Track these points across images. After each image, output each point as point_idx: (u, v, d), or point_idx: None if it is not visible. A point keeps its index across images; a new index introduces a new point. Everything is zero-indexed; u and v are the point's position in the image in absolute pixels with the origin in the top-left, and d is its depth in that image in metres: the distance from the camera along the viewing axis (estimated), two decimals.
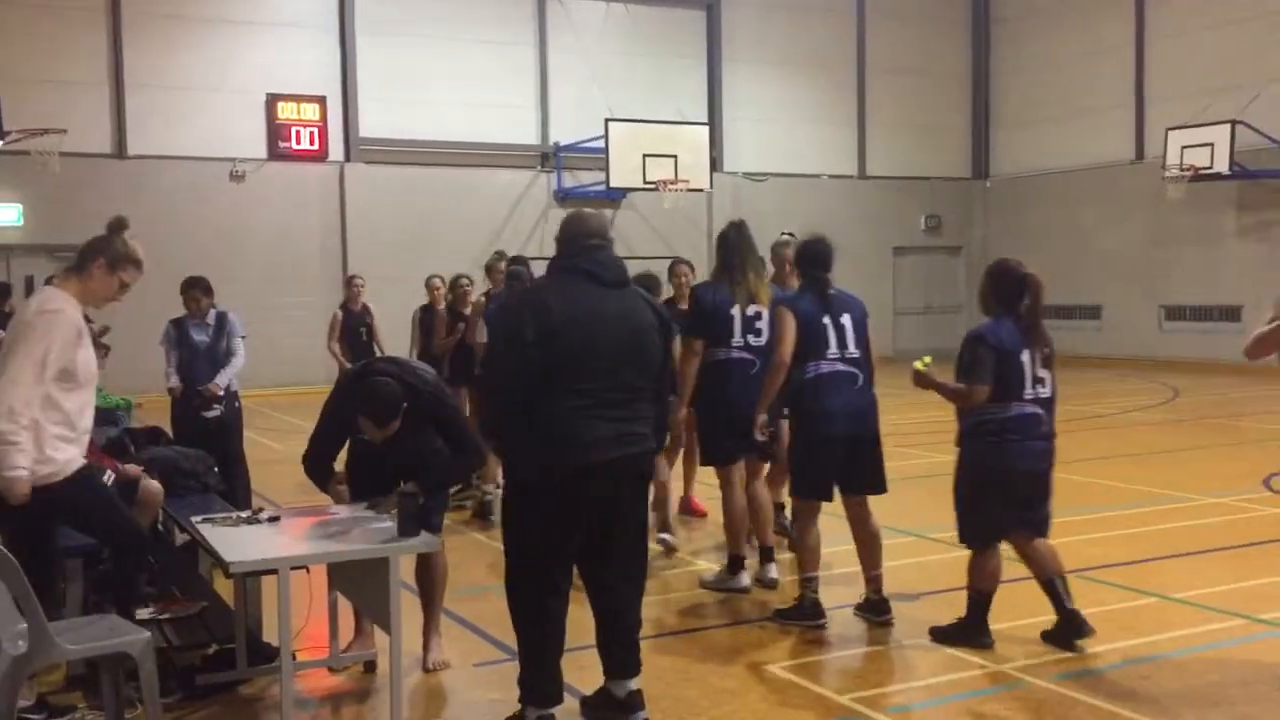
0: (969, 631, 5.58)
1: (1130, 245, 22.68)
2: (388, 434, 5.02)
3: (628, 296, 4.49)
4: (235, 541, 4.63)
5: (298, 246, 20.14)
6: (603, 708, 4.61)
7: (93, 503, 4.73)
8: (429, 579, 5.46)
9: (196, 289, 8.22)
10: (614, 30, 22.44)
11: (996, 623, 5.71)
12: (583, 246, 4.48)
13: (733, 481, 6.67)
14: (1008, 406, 5.36)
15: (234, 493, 7.25)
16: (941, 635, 5.63)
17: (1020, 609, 6.06)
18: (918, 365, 5.51)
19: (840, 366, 5.86)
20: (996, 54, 26.05)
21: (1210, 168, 19.57)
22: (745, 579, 6.61)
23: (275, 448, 12.33)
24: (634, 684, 4.57)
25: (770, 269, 7.16)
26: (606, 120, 19.61)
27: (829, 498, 6.01)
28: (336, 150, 20.53)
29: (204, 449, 6.92)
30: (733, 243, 6.68)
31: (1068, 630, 5.48)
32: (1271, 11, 19.85)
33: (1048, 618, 5.75)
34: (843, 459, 5.89)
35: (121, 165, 18.96)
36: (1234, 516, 8.36)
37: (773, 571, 6.69)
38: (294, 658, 4.77)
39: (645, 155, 19.56)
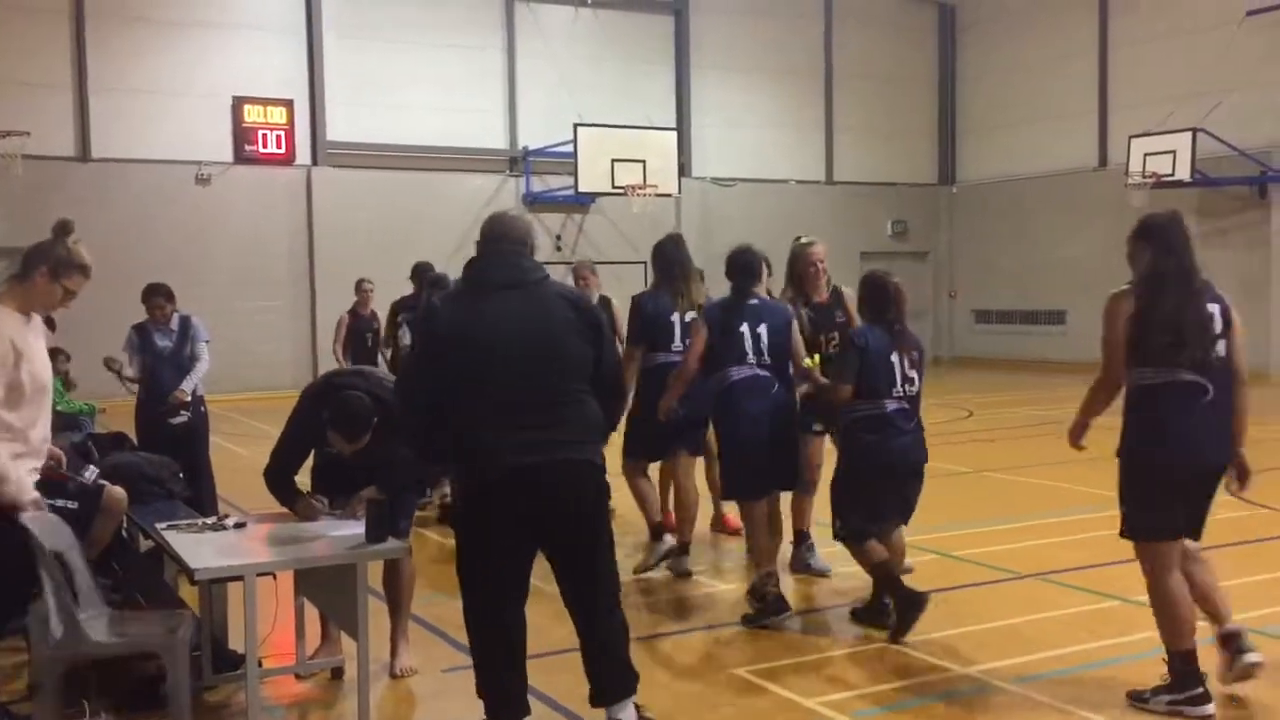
0: (875, 612, 5.91)
1: (1094, 251, 22.86)
2: (358, 448, 5.01)
3: (533, 297, 4.25)
4: (200, 548, 4.61)
5: (265, 250, 20.03)
6: None
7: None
8: (396, 585, 5.45)
9: (158, 295, 8.08)
10: (582, 35, 22.45)
11: (960, 626, 5.77)
12: (488, 251, 4.35)
13: (638, 471, 7.19)
14: (881, 404, 5.75)
15: (200, 499, 7.20)
16: (857, 617, 5.98)
17: (984, 613, 6.12)
18: (806, 363, 6.13)
19: (758, 371, 6.09)
20: (962, 61, 26.26)
21: (1172, 175, 19.79)
22: (669, 539, 6.98)
23: (242, 453, 12.24)
24: (630, 706, 4.41)
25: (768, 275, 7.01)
26: (575, 125, 19.61)
27: (764, 494, 6.19)
28: (304, 154, 20.43)
29: (170, 456, 6.86)
30: (671, 254, 7.07)
31: (891, 611, 5.81)
32: (1232, 21, 20.11)
33: (1012, 620, 5.81)
34: (767, 459, 6.08)
35: (85, 168, 18.80)
36: None
37: (686, 564, 7.03)
38: (260, 665, 4.75)
39: (614, 160, 19.57)
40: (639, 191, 19.77)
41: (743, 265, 6.26)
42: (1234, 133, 19.61)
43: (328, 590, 4.89)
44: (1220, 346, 4.63)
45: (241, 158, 19.90)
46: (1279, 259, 20.05)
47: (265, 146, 20.03)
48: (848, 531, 5.86)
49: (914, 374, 5.81)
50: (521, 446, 4.11)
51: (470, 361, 4.15)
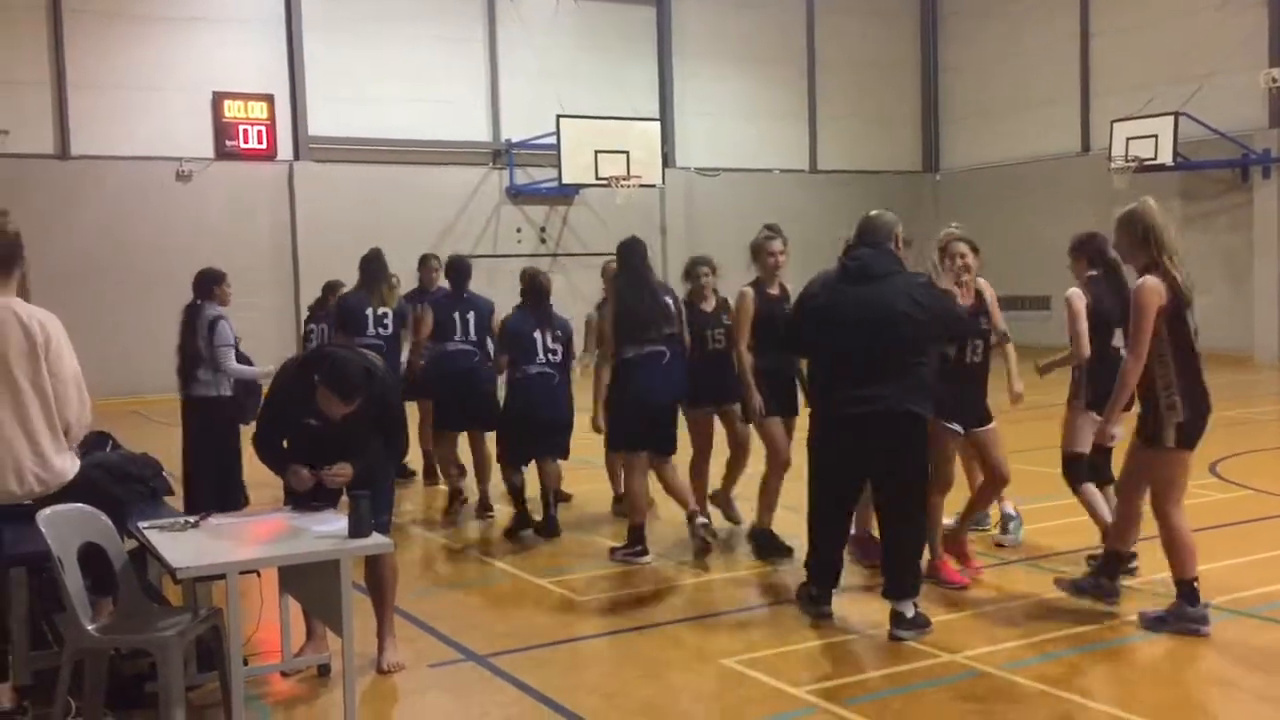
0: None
1: None
2: (346, 411, 4.96)
3: (873, 290, 5.76)
4: (183, 546, 4.56)
5: (247, 247, 19.85)
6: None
7: None
8: (379, 580, 5.40)
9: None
10: (564, 26, 22.38)
11: (951, 612, 5.75)
12: (857, 247, 6.06)
13: None
14: (525, 369, 7.74)
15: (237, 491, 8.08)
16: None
17: (970, 599, 6.11)
18: None
19: (456, 346, 8.59)
20: (945, 48, 26.26)
21: (1154, 159, 19.82)
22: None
23: None
24: (910, 606, 5.49)
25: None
26: (558, 116, 19.55)
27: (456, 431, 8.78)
28: (285, 149, 20.32)
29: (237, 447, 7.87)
30: (374, 265, 9.32)
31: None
32: (1212, 6, 20.15)
33: (1006, 605, 5.81)
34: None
35: (64, 166, 18.65)
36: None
37: None
38: (245, 663, 4.72)
39: (597, 151, 19.52)
40: (623, 182, 19.73)
41: (457, 267, 8.81)
42: (1215, 116, 19.65)
43: (312, 587, 4.86)
44: (673, 324, 7.15)
45: (222, 153, 19.78)
46: (1261, 241, 20.08)
47: (246, 142, 19.91)
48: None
49: (557, 346, 7.78)
50: (851, 400, 5.55)
51: (826, 333, 5.72)
